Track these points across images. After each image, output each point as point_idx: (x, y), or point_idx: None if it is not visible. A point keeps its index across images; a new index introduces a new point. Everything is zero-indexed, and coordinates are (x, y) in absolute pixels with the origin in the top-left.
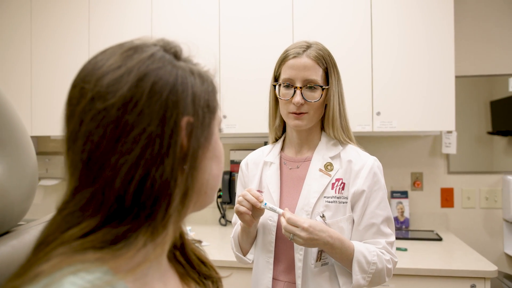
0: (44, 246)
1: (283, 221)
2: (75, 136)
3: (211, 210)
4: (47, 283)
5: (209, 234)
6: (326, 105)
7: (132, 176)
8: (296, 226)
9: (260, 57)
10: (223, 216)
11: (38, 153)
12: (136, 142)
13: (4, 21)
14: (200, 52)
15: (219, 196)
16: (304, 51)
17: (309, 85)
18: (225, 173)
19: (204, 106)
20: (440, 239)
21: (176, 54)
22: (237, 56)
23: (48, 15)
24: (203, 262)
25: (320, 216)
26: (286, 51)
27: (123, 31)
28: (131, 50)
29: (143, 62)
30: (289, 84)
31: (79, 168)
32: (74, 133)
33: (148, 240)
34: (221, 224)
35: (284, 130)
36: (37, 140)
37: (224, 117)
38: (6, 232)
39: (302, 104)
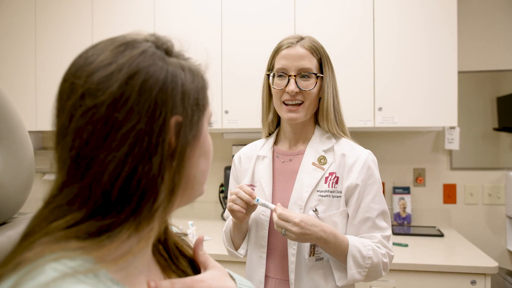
0: (29, 237)
1: (275, 217)
2: (64, 131)
3: (213, 205)
4: (29, 270)
5: (211, 229)
6: (320, 98)
7: (119, 172)
8: (288, 221)
9: (262, 51)
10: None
11: (43, 148)
12: (124, 139)
13: (9, 16)
14: (199, 46)
15: (221, 191)
16: (297, 41)
17: (303, 74)
18: (227, 168)
19: (194, 104)
20: (441, 235)
21: (167, 50)
22: (240, 51)
23: (52, 10)
24: (185, 255)
25: (313, 210)
26: (279, 43)
27: (126, 25)
28: (123, 46)
29: (134, 59)
30: (283, 74)
31: (67, 163)
32: (64, 128)
33: (133, 233)
34: (223, 219)
35: (277, 125)
36: (42, 135)
37: (226, 112)
38: (3, 223)
39: (296, 93)
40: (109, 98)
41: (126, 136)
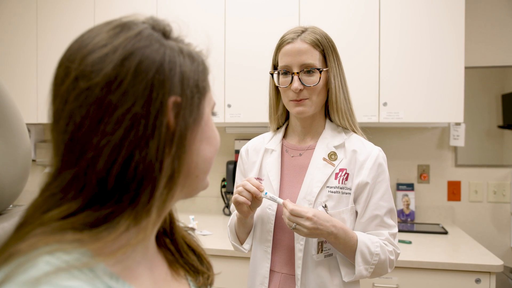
0: (23, 227)
1: (286, 212)
2: (58, 116)
3: (215, 200)
4: (22, 262)
5: (212, 224)
6: (328, 90)
7: (115, 158)
8: (300, 216)
9: (266, 44)
10: (227, 206)
11: (44, 141)
12: (119, 122)
13: (10, 8)
14: (200, 35)
15: (223, 186)
16: (298, 35)
17: (306, 70)
18: (229, 162)
19: (193, 86)
20: (445, 233)
21: (165, 33)
22: (243, 43)
23: (54, 1)
24: (193, 250)
25: (323, 206)
26: (282, 37)
27: None
28: (118, 27)
29: (130, 40)
30: (287, 71)
31: (61, 149)
32: (58, 113)
33: (131, 224)
34: (225, 214)
35: (286, 118)
36: (43, 127)
37: (229, 106)
38: None
39: (301, 90)
40: (103, 80)
41: (121, 119)
